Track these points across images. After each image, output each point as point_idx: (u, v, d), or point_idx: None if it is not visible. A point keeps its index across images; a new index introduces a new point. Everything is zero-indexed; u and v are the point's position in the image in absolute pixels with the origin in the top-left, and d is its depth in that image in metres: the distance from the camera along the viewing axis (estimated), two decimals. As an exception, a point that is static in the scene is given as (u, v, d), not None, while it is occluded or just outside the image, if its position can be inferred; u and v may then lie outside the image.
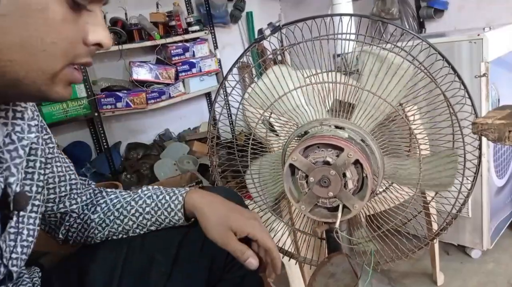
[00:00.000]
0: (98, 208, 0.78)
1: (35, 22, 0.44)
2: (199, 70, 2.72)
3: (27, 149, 0.57)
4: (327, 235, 0.89)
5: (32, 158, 0.62)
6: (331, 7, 1.55)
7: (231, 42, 3.14)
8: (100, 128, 2.36)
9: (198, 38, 2.75)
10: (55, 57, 0.47)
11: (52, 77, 0.48)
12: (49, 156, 0.68)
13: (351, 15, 0.92)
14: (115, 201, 0.78)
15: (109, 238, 0.78)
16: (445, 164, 0.88)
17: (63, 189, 0.72)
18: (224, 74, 0.97)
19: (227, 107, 2.52)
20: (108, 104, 2.40)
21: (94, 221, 0.77)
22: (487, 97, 1.33)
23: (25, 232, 0.60)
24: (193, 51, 2.69)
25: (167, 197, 0.75)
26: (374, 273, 0.77)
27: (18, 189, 0.56)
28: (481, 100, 1.32)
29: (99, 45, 0.50)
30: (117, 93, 2.41)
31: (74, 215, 0.76)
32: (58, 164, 0.71)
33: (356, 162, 0.78)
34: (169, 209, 0.75)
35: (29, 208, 0.61)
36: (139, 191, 0.79)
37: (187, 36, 2.67)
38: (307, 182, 0.81)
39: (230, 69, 0.96)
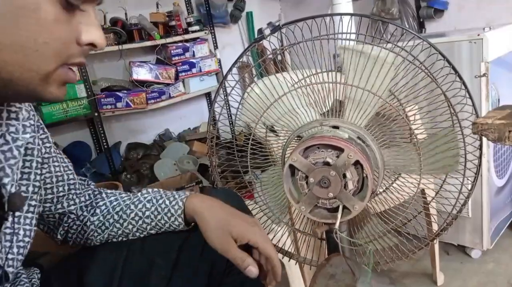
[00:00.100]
0: (98, 211, 0.77)
1: (27, 23, 0.44)
2: (199, 70, 2.72)
3: (22, 150, 0.57)
4: (327, 235, 0.89)
5: (28, 158, 0.61)
6: (331, 7, 1.55)
7: (231, 42, 3.14)
8: (100, 128, 2.36)
9: (198, 38, 2.75)
10: (48, 57, 0.47)
11: (45, 77, 0.48)
12: (46, 155, 0.68)
13: (351, 14, 0.91)
14: (114, 203, 0.78)
15: (109, 240, 0.78)
16: (445, 144, 0.86)
17: (61, 189, 0.72)
18: (224, 74, 0.97)
19: (227, 107, 2.52)
20: (108, 104, 2.40)
21: (94, 224, 0.76)
22: (487, 97, 1.33)
23: (21, 232, 0.59)
24: (193, 51, 2.69)
25: (167, 202, 0.75)
26: (373, 273, 0.77)
27: (13, 190, 0.56)
28: (481, 100, 1.32)
29: (92, 45, 0.50)
30: (117, 93, 2.41)
31: (73, 216, 0.76)
32: (56, 163, 0.70)
33: (356, 163, 0.78)
34: (169, 214, 0.74)
35: (25, 208, 0.60)
36: (139, 194, 0.78)
37: (187, 36, 2.66)
38: (307, 183, 0.81)
39: (230, 69, 0.96)
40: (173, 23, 2.65)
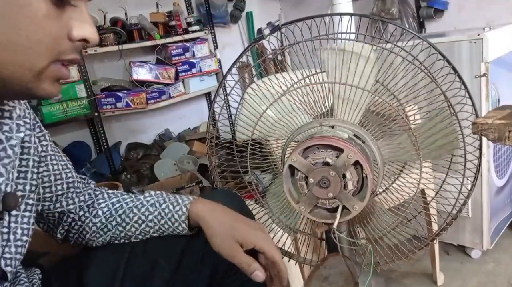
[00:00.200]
0: (100, 212, 0.77)
1: (17, 19, 0.43)
2: (199, 70, 2.72)
3: (16, 148, 0.57)
4: (327, 235, 0.89)
5: (25, 156, 0.61)
6: (331, 7, 1.55)
7: (231, 42, 3.14)
8: (100, 128, 2.36)
9: (198, 38, 2.75)
10: (40, 54, 0.46)
11: (38, 74, 0.47)
12: (43, 153, 0.67)
13: (351, 14, 0.91)
14: (117, 205, 0.77)
15: (111, 242, 0.78)
16: (439, 124, 0.85)
17: (59, 187, 0.71)
18: (224, 74, 0.97)
19: (227, 107, 2.52)
20: (108, 104, 2.40)
21: (96, 225, 0.76)
22: (487, 97, 1.33)
23: (19, 231, 0.59)
24: (193, 51, 2.69)
25: (171, 207, 0.75)
26: (373, 273, 0.77)
27: (9, 189, 0.55)
28: (481, 100, 1.32)
29: (85, 41, 0.50)
30: (117, 93, 2.41)
31: (72, 215, 0.75)
32: (54, 162, 0.70)
33: (356, 163, 0.78)
34: (172, 219, 0.74)
35: (22, 207, 0.60)
36: (141, 197, 0.78)
37: (187, 36, 2.66)
38: (306, 183, 0.81)
39: (230, 69, 0.96)
40: (173, 23, 2.65)
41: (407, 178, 0.93)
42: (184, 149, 2.66)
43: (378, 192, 0.93)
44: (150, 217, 0.75)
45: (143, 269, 0.75)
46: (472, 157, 0.90)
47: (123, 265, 0.75)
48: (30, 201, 0.62)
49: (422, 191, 1.10)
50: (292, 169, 0.82)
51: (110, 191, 0.81)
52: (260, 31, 3.15)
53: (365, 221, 0.92)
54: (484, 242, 1.48)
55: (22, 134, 0.59)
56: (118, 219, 0.76)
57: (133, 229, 0.76)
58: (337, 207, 0.80)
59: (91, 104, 2.30)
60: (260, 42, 1.00)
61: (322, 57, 0.86)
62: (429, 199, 1.03)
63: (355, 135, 0.84)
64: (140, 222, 0.75)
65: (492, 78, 1.32)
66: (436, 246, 1.42)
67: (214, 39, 2.85)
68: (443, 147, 0.87)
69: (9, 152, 0.55)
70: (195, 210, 0.73)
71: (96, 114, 2.33)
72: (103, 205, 0.78)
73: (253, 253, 0.70)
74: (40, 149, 0.67)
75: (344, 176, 0.78)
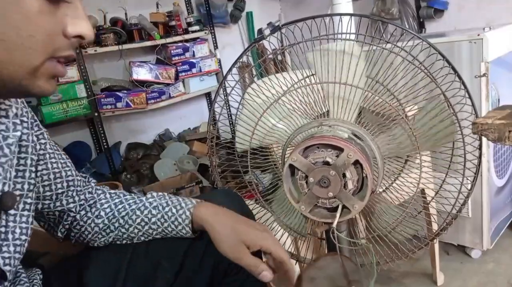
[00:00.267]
0: (102, 213, 0.76)
1: (10, 15, 0.43)
2: (199, 70, 2.72)
3: (13, 147, 0.56)
4: (327, 235, 0.89)
5: (23, 155, 0.61)
6: (331, 7, 1.55)
7: (231, 42, 3.14)
8: (100, 128, 2.36)
9: (198, 38, 2.75)
10: (34, 50, 0.46)
11: (33, 71, 0.47)
12: (41, 152, 0.67)
13: (351, 15, 0.91)
14: (119, 206, 0.77)
15: (113, 243, 0.77)
16: (433, 111, 0.85)
17: (59, 185, 0.71)
18: (224, 74, 0.97)
19: (227, 107, 2.52)
20: (108, 104, 2.40)
21: (98, 226, 0.76)
22: (487, 97, 1.33)
23: (18, 230, 0.58)
24: (193, 51, 2.69)
25: (174, 210, 0.74)
26: (363, 272, 0.77)
27: (6, 188, 0.55)
28: (481, 100, 1.32)
29: (80, 37, 0.49)
30: (117, 93, 2.41)
31: (72, 214, 0.75)
32: (53, 160, 0.69)
33: (356, 162, 0.78)
34: (176, 223, 0.74)
35: (21, 206, 0.60)
36: (144, 198, 0.77)
37: (187, 36, 2.66)
38: (307, 182, 0.81)
39: (230, 69, 0.96)
40: (173, 23, 2.65)
41: (406, 178, 0.94)
42: (184, 149, 2.66)
43: (378, 192, 0.93)
44: (153, 219, 0.75)
45: (145, 270, 0.75)
46: (472, 156, 0.90)
47: (125, 265, 0.75)
48: (29, 200, 0.61)
49: (422, 191, 1.11)
50: (292, 168, 0.82)
51: (112, 191, 0.81)
52: (260, 31, 3.15)
53: (366, 220, 0.92)
54: (484, 242, 1.48)
55: (19, 133, 0.58)
56: (121, 221, 0.75)
57: (136, 231, 0.75)
58: (337, 206, 0.81)
59: (91, 104, 2.30)
60: (260, 42, 1.00)
61: (309, 60, 0.86)
62: (429, 198, 1.03)
63: (354, 135, 0.84)
64: (143, 223, 0.75)
65: (492, 78, 1.32)
66: (436, 246, 1.42)
67: (214, 39, 2.85)
68: (440, 133, 0.86)
69: (6, 150, 0.55)
70: (199, 214, 0.73)
71: (96, 114, 2.33)
72: (105, 205, 0.77)
73: (257, 254, 0.70)
74: (38, 147, 0.66)
75: (344, 175, 0.78)
